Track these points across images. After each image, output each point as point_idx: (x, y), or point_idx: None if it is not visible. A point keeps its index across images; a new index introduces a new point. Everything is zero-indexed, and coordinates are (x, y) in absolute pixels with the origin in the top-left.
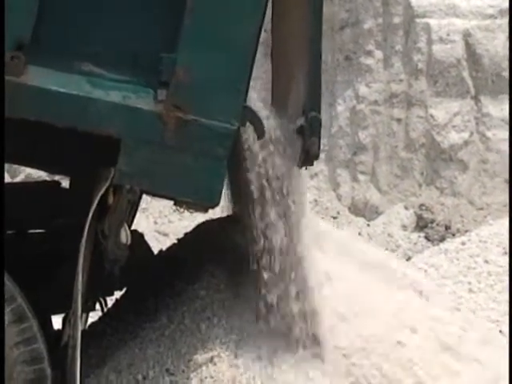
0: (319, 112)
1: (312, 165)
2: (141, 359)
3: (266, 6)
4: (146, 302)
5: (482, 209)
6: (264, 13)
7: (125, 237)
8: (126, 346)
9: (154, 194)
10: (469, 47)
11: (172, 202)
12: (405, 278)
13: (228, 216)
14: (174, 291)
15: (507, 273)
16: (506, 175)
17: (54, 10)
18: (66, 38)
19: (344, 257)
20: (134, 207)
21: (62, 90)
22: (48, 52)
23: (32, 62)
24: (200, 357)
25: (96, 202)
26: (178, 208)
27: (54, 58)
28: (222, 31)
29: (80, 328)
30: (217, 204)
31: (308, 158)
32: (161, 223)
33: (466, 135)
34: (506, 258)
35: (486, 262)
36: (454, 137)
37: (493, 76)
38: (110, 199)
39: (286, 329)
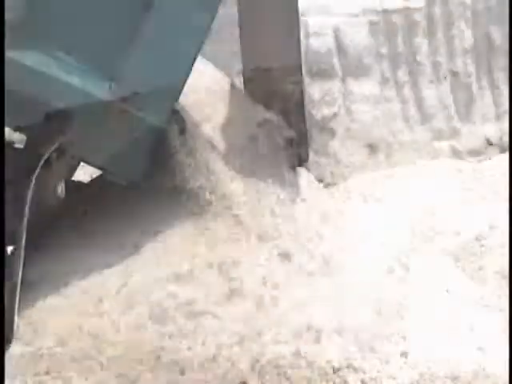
0: (305, 125)
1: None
2: None
3: (208, 32)
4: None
5: (347, 167)
6: (205, 36)
7: (60, 190)
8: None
9: (89, 163)
10: (338, 40)
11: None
12: None
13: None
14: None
15: (367, 217)
16: (366, 140)
17: (39, 6)
18: (48, 28)
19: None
20: (74, 168)
21: (36, 67)
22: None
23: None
24: None
25: (43, 160)
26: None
27: (38, 42)
28: (171, 43)
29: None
30: (139, 179)
31: (300, 161)
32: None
33: (335, 109)
34: (366, 205)
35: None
36: (325, 111)
37: (356, 62)
38: (54, 162)
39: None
